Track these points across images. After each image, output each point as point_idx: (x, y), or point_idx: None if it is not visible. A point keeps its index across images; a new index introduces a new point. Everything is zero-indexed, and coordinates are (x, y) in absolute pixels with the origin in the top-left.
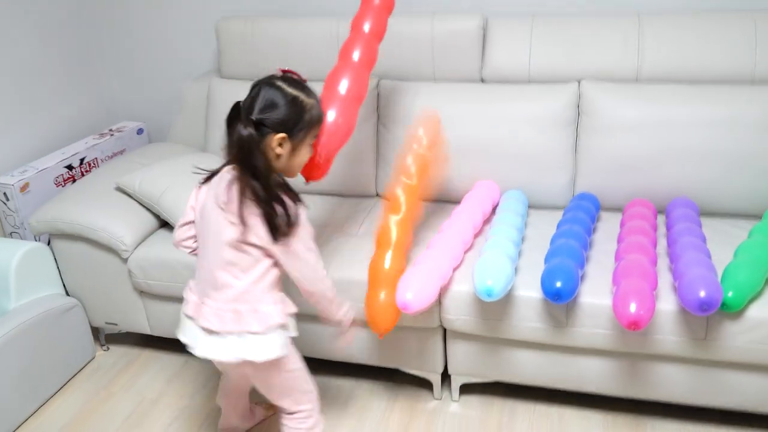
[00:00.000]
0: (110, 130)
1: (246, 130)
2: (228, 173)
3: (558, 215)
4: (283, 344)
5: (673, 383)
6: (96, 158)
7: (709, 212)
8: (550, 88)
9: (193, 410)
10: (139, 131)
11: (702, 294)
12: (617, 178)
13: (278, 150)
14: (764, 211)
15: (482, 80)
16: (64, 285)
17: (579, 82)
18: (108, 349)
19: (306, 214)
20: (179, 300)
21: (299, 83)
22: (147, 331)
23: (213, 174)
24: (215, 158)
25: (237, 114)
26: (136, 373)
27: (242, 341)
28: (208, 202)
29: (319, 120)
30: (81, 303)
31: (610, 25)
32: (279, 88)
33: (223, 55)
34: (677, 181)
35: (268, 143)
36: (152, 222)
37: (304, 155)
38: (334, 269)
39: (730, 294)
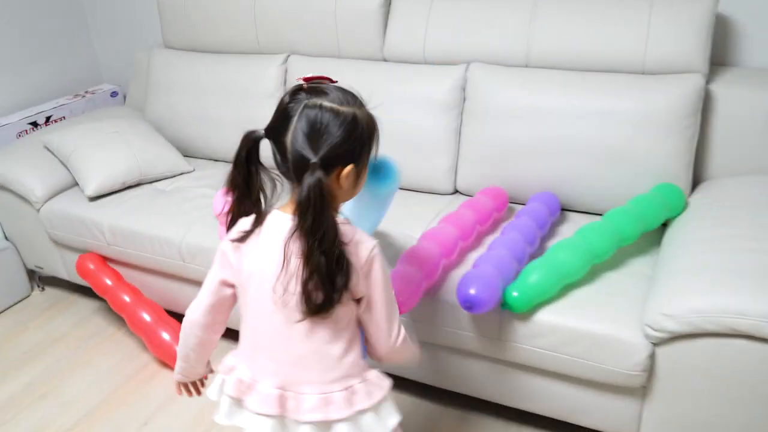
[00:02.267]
0: (86, 91)
1: (314, 177)
2: (282, 225)
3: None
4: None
5: (478, 380)
6: (63, 117)
7: (585, 209)
8: (440, 70)
9: (80, 354)
10: (113, 94)
11: (471, 291)
12: (497, 166)
13: (344, 185)
14: None
15: (384, 59)
16: (3, 230)
17: (467, 65)
18: (44, 289)
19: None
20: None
21: (340, 92)
22: (65, 276)
23: (249, 231)
24: (146, 125)
25: (256, 152)
26: (54, 314)
27: (361, 422)
28: (268, 267)
29: (375, 127)
30: (15, 246)
31: (506, 5)
32: (328, 109)
33: (164, 26)
34: (553, 174)
35: (332, 182)
36: (68, 179)
37: (364, 177)
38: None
39: (514, 294)
